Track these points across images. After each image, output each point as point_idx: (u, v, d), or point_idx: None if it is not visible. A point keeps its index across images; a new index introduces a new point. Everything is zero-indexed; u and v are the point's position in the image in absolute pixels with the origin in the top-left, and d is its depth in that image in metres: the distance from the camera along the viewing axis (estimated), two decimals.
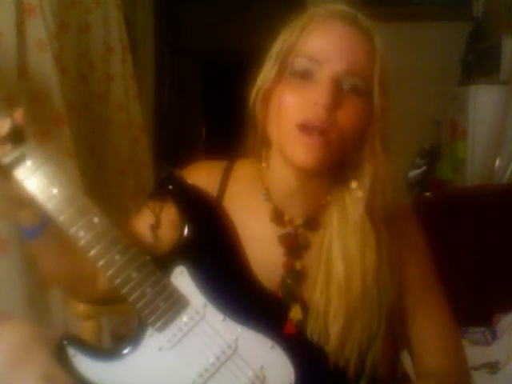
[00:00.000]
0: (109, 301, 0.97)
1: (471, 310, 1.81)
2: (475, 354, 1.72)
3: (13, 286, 1.51)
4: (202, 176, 0.94)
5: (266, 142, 0.90)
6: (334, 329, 0.83)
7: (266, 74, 0.86)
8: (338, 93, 0.80)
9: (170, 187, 0.92)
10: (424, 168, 3.10)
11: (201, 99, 5.18)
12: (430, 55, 3.16)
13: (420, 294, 0.93)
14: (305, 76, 0.82)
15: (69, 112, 1.74)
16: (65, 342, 0.83)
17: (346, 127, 0.81)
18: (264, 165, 0.92)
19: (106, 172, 2.41)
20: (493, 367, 1.67)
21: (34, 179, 0.77)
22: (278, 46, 0.86)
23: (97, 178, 2.25)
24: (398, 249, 0.89)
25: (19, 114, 0.76)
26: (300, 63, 0.82)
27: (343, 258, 0.85)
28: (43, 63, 1.61)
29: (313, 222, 0.90)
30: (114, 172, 2.45)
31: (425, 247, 0.95)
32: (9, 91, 1.50)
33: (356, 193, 0.87)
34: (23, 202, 0.80)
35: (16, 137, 0.76)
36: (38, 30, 1.59)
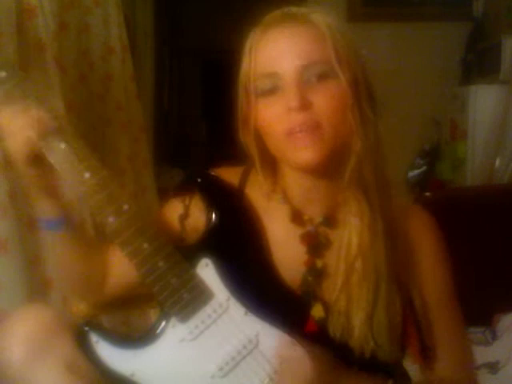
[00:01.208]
0: (112, 306, 0.98)
1: (471, 309, 1.81)
2: (475, 354, 1.72)
3: (13, 286, 1.51)
4: (223, 178, 0.96)
5: (268, 157, 0.91)
6: (357, 321, 0.84)
7: (240, 103, 0.89)
8: (306, 89, 0.82)
9: (199, 180, 0.93)
10: (424, 168, 3.10)
11: (201, 99, 5.18)
12: (430, 55, 3.16)
13: (434, 303, 0.93)
14: (272, 91, 0.84)
15: (69, 112, 1.74)
16: (86, 328, 0.83)
17: (328, 113, 0.82)
18: (269, 180, 0.93)
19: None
20: (493, 367, 1.67)
21: (68, 163, 0.79)
22: (240, 75, 0.88)
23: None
24: (408, 249, 0.91)
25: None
26: (262, 83, 0.85)
27: (361, 253, 0.86)
28: (43, 63, 1.61)
29: (332, 220, 0.91)
30: (114, 172, 2.44)
31: (440, 254, 0.95)
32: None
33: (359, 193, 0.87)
34: (49, 190, 0.82)
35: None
36: (38, 30, 1.59)
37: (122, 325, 1.83)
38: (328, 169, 0.86)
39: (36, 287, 1.60)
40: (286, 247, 0.91)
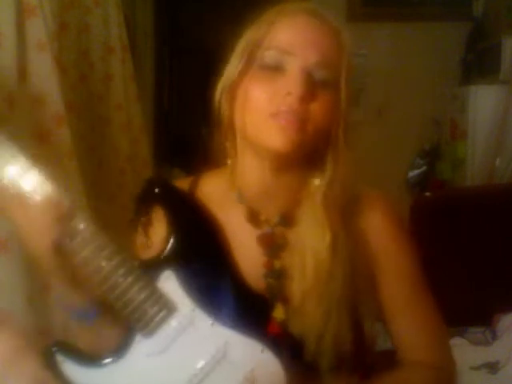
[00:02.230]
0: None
1: (471, 309, 1.81)
2: (475, 353, 1.72)
3: (13, 286, 1.51)
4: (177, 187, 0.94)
5: (232, 139, 0.89)
6: (311, 322, 0.84)
7: (233, 67, 0.87)
8: (311, 84, 0.81)
9: (157, 190, 0.92)
10: (424, 168, 3.10)
11: (201, 99, 5.18)
12: (430, 55, 3.16)
13: (402, 292, 0.93)
14: (275, 68, 0.83)
15: (69, 112, 1.74)
16: (54, 349, 0.82)
17: (318, 119, 0.82)
18: (231, 162, 0.91)
19: (106, 172, 2.41)
20: (493, 367, 1.67)
21: (20, 184, 0.75)
22: (245, 40, 0.86)
23: (97, 178, 2.25)
24: (362, 240, 0.90)
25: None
26: (270, 56, 0.83)
27: (312, 252, 0.85)
28: (43, 63, 1.61)
29: (288, 219, 0.90)
30: (114, 172, 2.45)
31: (398, 237, 0.94)
32: (9, 91, 1.49)
33: (317, 187, 0.88)
34: (80, 278, 0.78)
35: None
36: (38, 30, 1.59)
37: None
38: (291, 166, 0.86)
39: (36, 287, 1.60)
40: (245, 249, 0.89)
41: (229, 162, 0.91)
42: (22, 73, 1.57)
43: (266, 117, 0.82)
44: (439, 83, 3.12)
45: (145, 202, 0.92)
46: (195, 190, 0.94)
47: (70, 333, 0.87)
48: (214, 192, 0.93)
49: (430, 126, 3.16)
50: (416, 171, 3.11)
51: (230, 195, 0.91)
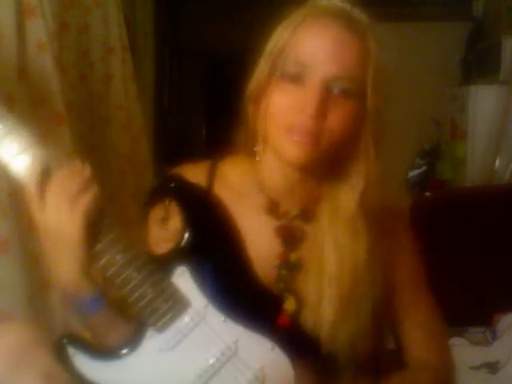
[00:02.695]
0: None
1: (471, 310, 1.81)
2: (475, 353, 1.72)
3: (13, 286, 1.51)
4: (189, 177, 0.93)
5: (257, 138, 0.90)
6: (327, 317, 0.83)
7: (259, 73, 0.86)
8: (327, 99, 0.80)
9: (172, 185, 0.91)
10: (424, 168, 3.11)
11: (201, 99, 5.18)
12: (430, 55, 3.16)
13: (408, 295, 0.94)
14: (295, 80, 0.82)
15: (69, 112, 1.74)
16: (65, 341, 0.82)
17: (335, 131, 0.82)
18: (257, 159, 0.91)
19: (106, 172, 2.40)
20: (493, 367, 1.67)
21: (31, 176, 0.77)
22: (271, 45, 0.85)
23: (97, 178, 2.25)
24: (387, 248, 0.90)
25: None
26: (290, 67, 0.82)
27: (335, 249, 0.85)
28: (43, 63, 1.61)
29: (307, 214, 0.90)
30: (113, 172, 2.45)
31: (414, 249, 0.96)
32: (9, 91, 1.49)
33: (349, 191, 0.87)
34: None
35: None
36: (38, 30, 1.59)
37: None
38: (314, 168, 0.86)
39: (36, 287, 1.60)
40: (259, 240, 0.89)
41: (257, 158, 0.91)
42: (22, 73, 1.57)
43: (281, 130, 0.82)
44: (439, 83, 3.12)
45: (160, 196, 0.92)
46: (214, 178, 0.93)
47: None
48: (233, 180, 0.93)
49: (429, 125, 3.16)
50: (416, 171, 3.11)
51: (249, 185, 0.92)
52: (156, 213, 0.92)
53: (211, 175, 0.93)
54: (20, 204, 1.43)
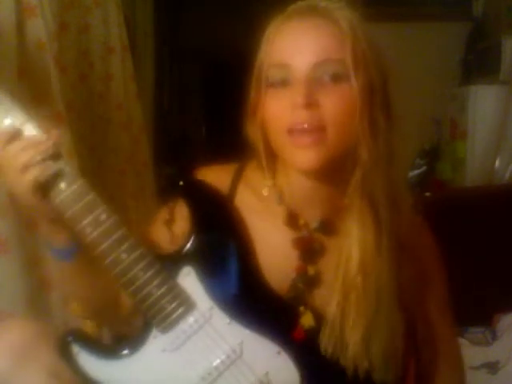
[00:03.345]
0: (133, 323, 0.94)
1: (471, 309, 1.81)
2: (475, 353, 1.72)
3: (13, 286, 1.51)
4: (211, 178, 0.92)
5: (270, 153, 0.88)
6: (352, 340, 0.81)
7: (250, 91, 0.86)
8: (315, 87, 0.79)
9: (181, 183, 0.90)
10: (424, 168, 3.10)
11: (201, 99, 5.18)
12: (430, 55, 3.16)
13: (434, 308, 0.94)
14: (282, 84, 0.81)
15: (69, 112, 1.74)
16: (69, 339, 0.82)
17: (334, 117, 0.79)
18: (271, 175, 0.89)
19: (106, 172, 2.40)
20: (493, 367, 1.67)
21: (43, 171, 0.76)
22: (256, 61, 0.86)
23: (97, 178, 2.25)
24: (413, 259, 0.88)
25: (57, 134, 0.79)
26: (273, 73, 0.82)
27: (361, 267, 0.82)
28: (43, 63, 1.61)
29: (328, 226, 0.88)
30: (114, 172, 2.45)
31: (440, 261, 0.95)
32: (9, 91, 1.49)
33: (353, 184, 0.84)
34: (58, 221, 0.78)
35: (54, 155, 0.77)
36: (38, 29, 1.59)
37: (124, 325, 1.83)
38: (330, 172, 0.83)
39: (36, 287, 1.60)
40: (276, 251, 0.87)
41: (269, 183, 0.90)
42: (22, 72, 1.57)
43: (283, 135, 0.81)
44: (439, 83, 3.12)
45: (169, 195, 0.91)
46: (239, 180, 0.92)
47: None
48: (257, 185, 0.91)
49: (429, 125, 3.16)
50: (416, 171, 3.11)
51: (269, 196, 0.90)
52: (163, 213, 0.91)
53: (236, 179, 0.92)
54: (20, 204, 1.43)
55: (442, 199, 2.22)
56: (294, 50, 0.81)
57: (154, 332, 0.82)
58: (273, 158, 0.88)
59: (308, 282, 0.86)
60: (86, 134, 2.18)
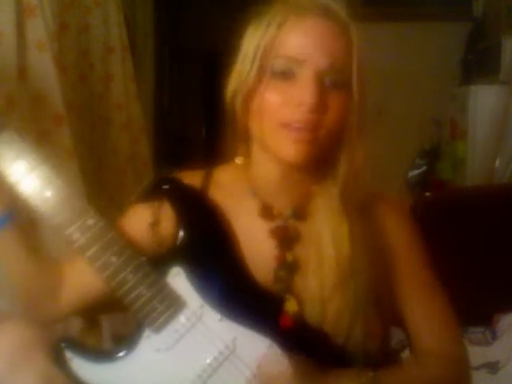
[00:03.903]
0: (111, 306, 0.95)
1: (471, 309, 1.81)
2: (475, 353, 1.72)
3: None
4: (183, 180, 0.94)
5: (245, 140, 0.90)
6: (331, 307, 0.83)
7: (244, 73, 0.85)
8: (322, 91, 0.80)
9: (166, 187, 0.91)
10: (424, 168, 3.11)
11: (201, 99, 5.18)
12: (430, 55, 3.16)
13: (412, 282, 0.93)
14: (286, 76, 0.81)
15: (69, 112, 1.74)
16: (62, 345, 0.83)
17: (332, 124, 0.82)
18: (242, 162, 0.92)
19: (106, 172, 2.41)
20: (493, 367, 1.67)
21: (28, 181, 0.76)
22: (253, 44, 0.84)
23: (97, 178, 2.25)
24: (379, 235, 0.90)
25: None
26: (280, 64, 0.82)
27: (332, 243, 0.85)
28: (43, 63, 1.61)
29: (300, 212, 0.90)
30: (114, 172, 2.45)
31: (412, 237, 0.95)
32: (9, 91, 1.49)
33: (332, 182, 0.88)
34: None
35: None
36: (38, 29, 1.59)
37: (122, 325, 1.83)
38: (310, 165, 0.86)
39: None
40: (255, 243, 0.89)
41: (238, 160, 0.92)
42: (22, 72, 1.57)
43: (278, 126, 0.82)
44: (439, 83, 3.12)
45: (152, 196, 0.92)
46: (208, 183, 0.94)
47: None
48: (227, 186, 0.93)
49: (429, 126, 3.16)
50: (416, 171, 3.11)
51: (243, 189, 0.91)
52: (143, 216, 0.91)
53: (206, 181, 0.94)
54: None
55: (442, 199, 2.22)
56: (311, 48, 0.81)
57: (147, 332, 0.82)
58: (247, 145, 0.90)
59: (288, 268, 0.87)
60: (86, 134, 2.18)
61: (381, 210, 0.93)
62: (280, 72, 0.82)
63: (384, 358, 0.90)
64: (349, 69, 0.82)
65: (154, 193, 0.92)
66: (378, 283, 0.87)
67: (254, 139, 0.89)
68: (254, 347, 0.82)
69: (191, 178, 0.94)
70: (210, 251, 0.88)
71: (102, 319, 1.14)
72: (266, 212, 0.90)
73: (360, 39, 0.84)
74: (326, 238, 0.86)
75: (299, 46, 0.81)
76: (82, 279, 0.89)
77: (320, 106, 0.80)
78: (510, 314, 1.84)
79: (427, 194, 2.62)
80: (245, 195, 0.91)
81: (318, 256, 0.86)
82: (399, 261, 0.92)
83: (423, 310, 0.93)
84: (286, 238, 0.89)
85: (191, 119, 5.12)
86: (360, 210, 0.87)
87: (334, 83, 0.81)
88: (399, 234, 0.94)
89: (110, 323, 1.78)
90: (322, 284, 0.85)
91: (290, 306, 0.85)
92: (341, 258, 0.85)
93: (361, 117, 0.85)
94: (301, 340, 0.83)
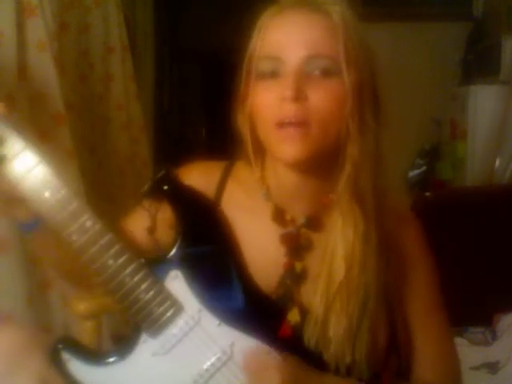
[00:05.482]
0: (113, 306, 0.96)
1: (471, 310, 1.81)
2: (475, 354, 1.72)
3: (13, 285, 1.51)
4: (199, 176, 0.92)
5: (258, 146, 0.88)
6: (335, 334, 0.81)
7: (239, 82, 0.86)
8: (305, 81, 0.79)
9: (165, 188, 0.89)
10: (424, 168, 3.10)
11: (201, 99, 5.18)
12: (430, 55, 3.16)
13: (420, 307, 0.91)
14: (272, 75, 0.81)
15: (69, 112, 1.74)
16: (59, 346, 0.82)
17: (322, 112, 0.79)
18: (259, 168, 0.89)
19: (106, 172, 2.41)
20: (493, 367, 1.67)
21: (26, 181, 0.76)
22: (247, 51, 0.85)
23: (97, 178, 2.25)
24: (393, 253, 0.87)
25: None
26: (263, 65, 0.82)
27: (346, 262, 0.82)
28: (43, 63, 1.61)
29: (315, 222, 0.88)
30: (114, 172, 2.45)
31: (426, 257, 0.93)
32: (9, 91, 1.49)
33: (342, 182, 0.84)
34: (16, 197, 0.78)
35: None
36: (38, 29, 1.59)
37: (122, 325, 1.83)
38: (318, 168, 0.84)
39: (36, 287, 1.60)
40: (263, 248, 0.87)
41: (256, 171, 0.90)
42: (22, 72, 1.57)
43: (273, 128, 0.81)
44: (439, 83, 3.12)
45: (153, 198, 0.90)
46: (227, 178, 0.92)
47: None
48: (246, 183, 0.91)
49: (429, 126, 3.16)
50: (416, 171, 3.11)
51: (257, 193, 0.90)
52: (141, 219, 0.90)
53: (225, 177, 0.92)
54: None
55: (442, 199, 2.22)
56: (285, 42, 0.80)
57: (144, 336, 0.81)
58: (261, 151, 0.88)
59: (295, 278, 0.85)
60: (86, 135, 2.18)
61: (401, 225, 0.90)
62: (264, 73, 0.82)
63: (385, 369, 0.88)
64: (337, 55, 0.80)
65: (153, 193, 0.90)
66: (385, 304, 0.85)
67: (262, 145, 0.87)
68: (250, 353, 0.80)
69: (210, 170, 0.93)
70: (210, 255, 0.86)
71: (102, 319, 1.14)
72: (278, 216, 0.87)
73: (348, 23, 0.82)
74: (339, 252, 0.83)
75: (275, 43, 0.81)
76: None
77: (301, 95, 0.78)
78: (510, 314, 1.84)
79: (427, 193, 2.61)
80: (259, 197, 0.89)
81: (328, 270, 0.83)
82: (409, 282, 0.90)
83: (425, 337, 0.91)
84: (297, 246, 0.86)
85: (191, 119, 5.12)
86: (376, 225, 0.84)
87: (322, 70, 0.79)
88: (413, 253, 0.91)
89: (109, 323, 1.78)
90: (327, 300, 0.82)
91: (292, 316, 0.83)
92: (351, 276, 0.82)
93: (359, 108, 0.81)
94: (298, 351, 0.82)
